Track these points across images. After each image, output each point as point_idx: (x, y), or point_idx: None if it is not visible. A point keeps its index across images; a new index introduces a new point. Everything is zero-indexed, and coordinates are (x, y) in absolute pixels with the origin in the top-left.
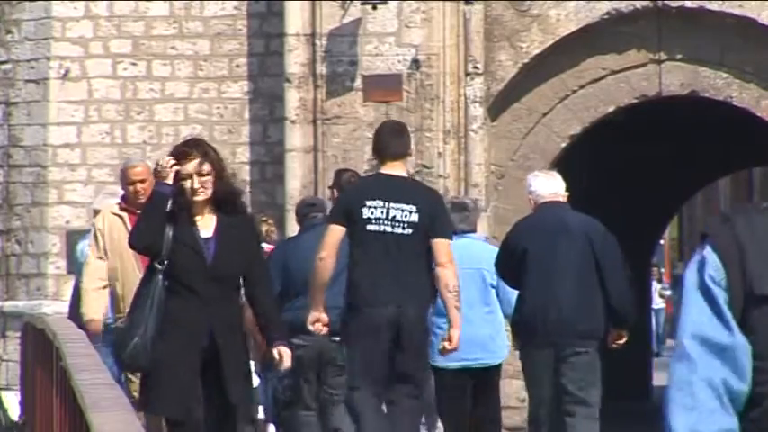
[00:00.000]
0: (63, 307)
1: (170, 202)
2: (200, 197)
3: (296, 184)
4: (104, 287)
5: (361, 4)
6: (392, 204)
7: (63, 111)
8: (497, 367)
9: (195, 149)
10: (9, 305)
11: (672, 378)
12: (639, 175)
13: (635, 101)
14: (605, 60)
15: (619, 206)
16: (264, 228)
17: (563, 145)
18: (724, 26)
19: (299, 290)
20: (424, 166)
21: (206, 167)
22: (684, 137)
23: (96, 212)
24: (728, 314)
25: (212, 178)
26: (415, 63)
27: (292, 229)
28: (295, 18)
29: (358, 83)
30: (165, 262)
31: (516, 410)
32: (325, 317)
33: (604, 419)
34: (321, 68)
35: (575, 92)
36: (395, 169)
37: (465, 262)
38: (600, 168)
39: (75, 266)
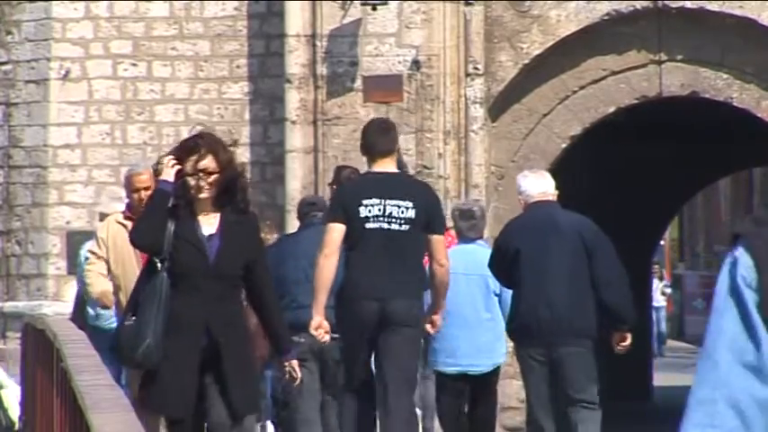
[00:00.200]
0: (63, 308)
1: (172, 199)
2: (204, 194)
3: (296, 184)
4: (108, 281)
5: (362, 4)
6: (388, 201)
7: (63, 111)
8: (495, 371)
9: (203, 145)
10: (9, 306)
11: (694, 394)
12: (640, 175)
13: (635, 101)
14: (606, 61)
15: (619, 207)
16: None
17: (563, 145)
18: (724, 27)
19: (288, 288)
20: (425, 167)
21: (212, 164)
22: (685, 137)
23: (102, 216)
24: (757, 319)
25: (218, 175)
26: (416, 64)
27: (293, 229)
28: (295, 19)
29: (358, 83)
30: (167, 260)
31: (517, 411)
32: (326, 324)
33: (604, 419)
34: (321, 69)
35: (575, 92)
36: (386, 166)
37: (470, 268)
38: (600, 169)
39: (78, 271)
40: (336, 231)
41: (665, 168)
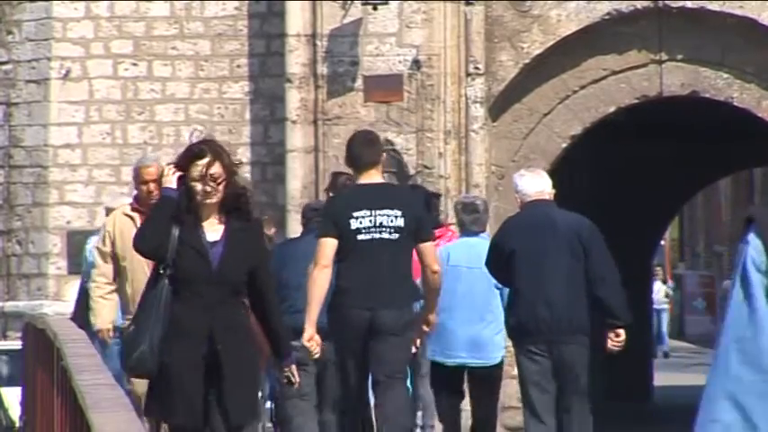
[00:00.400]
0: (64, 307)
1: (177, 206)
2: (210, 200)
3: (297, 184)
4: (112, 291)
5: (362, 4)
6: (378, 212)
7: (64, 111)
8: (496, 368)
9: (207, 151)
10: (10, 305)
11: (704, 391)
12: (640, 175)
13: (636, 101)
14: (606, 61)
15: (619, 206)
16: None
17: (564, 145)
18: (725, 26)
19: (289, 293)
20: (425, 167)
21: (217, 170)
22: (685, 137)
23: (108, 210)
24: (760, 304)
25: (223, 181)
26: (416, 63)
27: (293, 229)
28: (296, 18)
29: (359, 83)
30: (170, 266)
31: (518, 411)
32: (318, 338)
33: (605, 419)
34: (322, 69)
35: (575, 92)
36: (372, 177)
37: (473, 261)
38: (601, 168)
39: (84, 265)
40: (329, 246)
41: (665, 168)
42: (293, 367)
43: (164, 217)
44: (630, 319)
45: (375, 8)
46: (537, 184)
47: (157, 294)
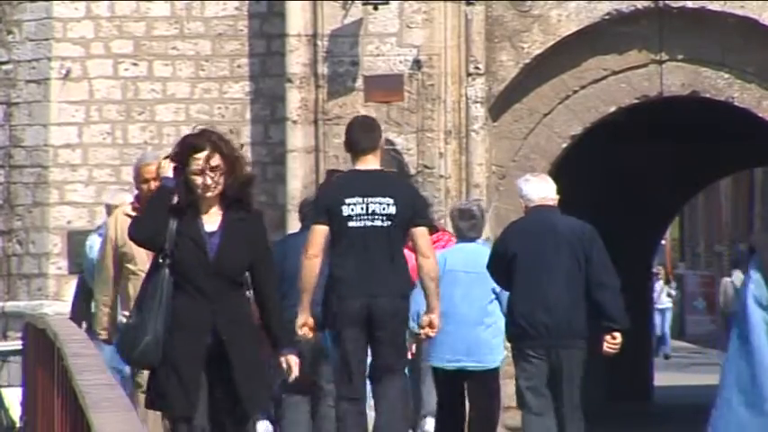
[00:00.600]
0: (64, 307)
1: (176, 197)
2: (210, 193)
3: (297, 184)
4: (114, 296)
5: (363, 4)
6: (370, 199)
7: (64, 111)
8: (495, 371)
9: (206, 142)
10: (10, 305)
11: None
12: (640, 175)
13: (636, 101)
14: (606, 61)
15: (620, 206)
16: None
17: (564, 145)
18: (725, 27)
19: (288, 289)
20: (426, 167)
21: (217, 162)
22: (685, 137)
23: (109, 208)
24: (758, 343)
25: (223, 173)
26: (417, 63)
27: (293, 228)
28: (296, 18)
29: (359, 83)
30: (168, 257)
31: (518, 411)
32: (311, 321)
33: (605, 420)
34: (322, 69)
35: (576, 92)
36: (368, 164)
37: (471, 266)
38: (601, 169)
39: (84, 263)
40: (319, 233)
41: (665, 168)
42: (291, 358)
43: (160, 206)
44: (628, 325)
45: (376, 8)
46: (541, 190)
47: (158, 285)
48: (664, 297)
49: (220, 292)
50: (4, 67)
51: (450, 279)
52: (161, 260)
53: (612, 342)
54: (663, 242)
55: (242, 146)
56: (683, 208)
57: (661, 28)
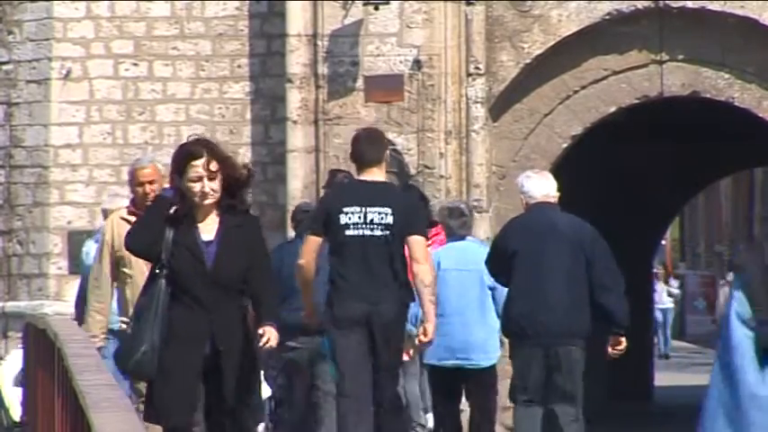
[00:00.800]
0: (65, 307)
1: (173, 206)
2: (209, 200)
3: (297, 184)
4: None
5: (363, 4)
6: (368, 208)
7: (64, 111)
8: (492, 369)
9: (202, 150)
10: (11, 306)
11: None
12: (640, 175)
13: (636, 101)
14: (606, 61)
15: (620, 206)
16: None
17: (564, 145)
18: (725, 27)
19: (288, 293)
20: (426, 167)
21: (215, 166)
22: (685, 137)
23: (105, 213)
24: (738, 364)
25: (220, 180)
26: (417, 63)
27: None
28: (296, 18)
29: (359, 83)
30: (165, 267)
31: None
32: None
33: (605, 420)
34: (323, 69)
35: (576, 92)
36: (371, 175)
37: (463, 264)
38: (601, 169)
39: (81, 268)
40: (312, 243)
41: (665, 168)
42: (269, 328)
43: (156, 216)
44: (628, 323)
45: (376, 8)
46: (543, 187)
47: (155, 296)
48: (665, 297)
49: (218, 302)
50: (5, 67)
51: (444, 278)
52: (158, 270)
53: (618, 348)
54: (663, 242)
55: (236, 154)
56: (684, 208)
57: (661, 28)
